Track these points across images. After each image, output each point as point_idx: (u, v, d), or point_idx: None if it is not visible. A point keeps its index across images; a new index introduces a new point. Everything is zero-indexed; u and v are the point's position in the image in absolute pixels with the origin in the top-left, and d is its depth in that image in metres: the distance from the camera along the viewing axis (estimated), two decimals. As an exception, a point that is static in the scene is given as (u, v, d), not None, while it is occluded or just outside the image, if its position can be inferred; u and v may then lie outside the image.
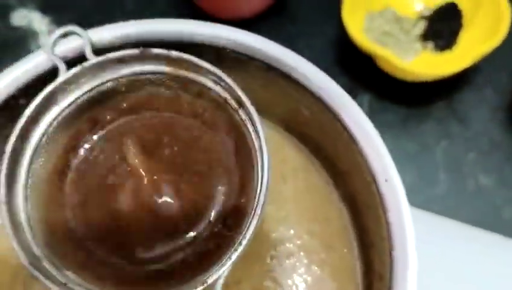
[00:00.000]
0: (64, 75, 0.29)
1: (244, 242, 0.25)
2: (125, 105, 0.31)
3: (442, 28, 0.50)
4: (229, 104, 0.29)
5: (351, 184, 0.33)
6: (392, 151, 0.48)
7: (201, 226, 0.28)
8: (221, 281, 0.25)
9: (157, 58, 0.29)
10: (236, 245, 0.25)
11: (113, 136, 0.30)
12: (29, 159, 0.28)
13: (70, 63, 0.29)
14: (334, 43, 0.54)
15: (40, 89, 0.28)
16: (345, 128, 0.30)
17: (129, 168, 0.29)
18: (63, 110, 0.29)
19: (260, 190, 0.26)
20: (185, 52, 0.29)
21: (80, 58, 0.29)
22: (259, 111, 0.27)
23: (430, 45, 0.50)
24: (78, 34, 0.30)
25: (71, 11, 0.56)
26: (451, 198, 0.47)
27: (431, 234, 0.42)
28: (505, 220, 0.46)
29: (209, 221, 0.28)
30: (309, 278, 0.33)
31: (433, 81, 0.48)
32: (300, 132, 0.37)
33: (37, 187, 0.28)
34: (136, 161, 0.30)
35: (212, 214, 0.28)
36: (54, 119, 0.29)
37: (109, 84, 0.30)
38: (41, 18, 0.55)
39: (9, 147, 0.27)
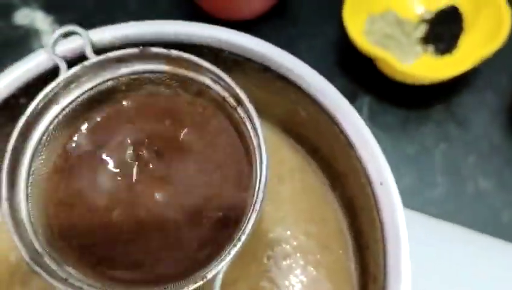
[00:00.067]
0: (64, 74, 0.29)
1: (243, 238, 0.25)
2: (125, 104, 0.31)
3: (443, 31, 0.50)
4: (228, 103, 0.29)
5: (347, 186, 0.34)
6: (391, 153, 0.48)
7: (201, 222, 0.28)
8: (220, 276, 0.25)
9: (157, 57, 0.30)
10: (235, 241, 0.26)
11: (114, 135, 0.31)
12: (30, 158, 0.28)
13: (71, 62, 0.30)
14: (335, 44, 0.54)
15: (41, 89, 0.29)
16: (341, 130, 0.30)
17: (129, 166, 0.30)
18: (63, 109, 0.30)
19: (259, 187, 0.26)
20: (184, 52, 0.29)
21: (80, 58, 0.30)
22: (257, 112, 0.28)
23: (431, 48, 0.50)
24: (78, 34, 0.30)
25: (74, 11, 0.56)
26: (450, 201, 0.47)
27: (429, 237, 0.42)
28: (503, 224, 0.46)
29: (208, 217, 0.28)
30: (305, 279, 0.33)
31: (433, 84, 0.48)
32: (298, 133, 0.37)
33: (37, 185, 0.29)
34: (136, 158, 0.30)
35: (211, 210, 0.28)
36: (54, 118, 0.29)
37: (109, 83, 0.30)
38: (44, 17, 0.56)
39: (10, 146, 0.27)
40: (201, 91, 0.30)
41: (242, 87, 0.28)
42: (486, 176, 0.48)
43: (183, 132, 0.30)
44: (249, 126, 0.28)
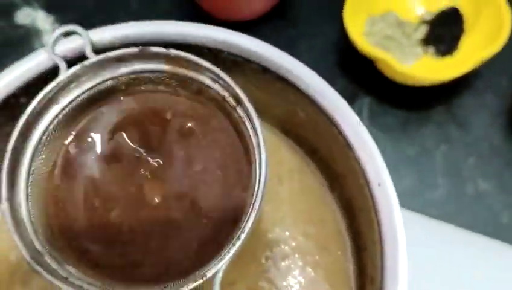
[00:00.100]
0: (64, 73, 0.29)
1: (243, 237, 0.26)
2: (125, 103, 0.31)
3: (444, 32, 0.50)
4: (228, 102, 0.29)
5: (346, 187, 0.34)
6: (391, 154, 0.48)
7: (200, 221, 0.28)
8: (220, 275, 0.25)
9: (157, 57, 0.30)
10: (234, 240, 0.26)
11: (113, 134, 0.31)
12: (30, 157, 0.29)
13: (71, 62, 0.30)
14: (335, 45, 0.54)
15: (41, 88, 0.29)
16: (339, 131, 0.30)
17: (129, 165, 0.30)
18: (63, 109, 0.30)
19: (258, 186, 0.27)
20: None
21: (80, 58, 0.30)
22: (256, 112, 0.28)
23: (431, 49, 0.50)
24: (78, 34, 0.30)
25: (75, 11, 0.56)
26: (450, 202, 0.47)
27: (429, 238, 0.42)
28: (503, 225, 0.46)
29: (208, 216, 0.28)
30: (303, 280, 0.33)
31: (433, 86, 0.48)
32: (296, 134, 0.37)
33: (38, 185, 0.29)
34: (136, 157, 0.30)
35: (211, 209, 0.29)
36: (54, 118, 0.30)
37: (109, 82, 0.31)
38: (45, 17, 0.56)
39: (10, 145, 0.27)
40: (201, 90, 0.30)
41: (241, 88, 0.28)
42: (487, 177, 0.48)
43: (183, 131, 0.31)
44: (249, 126, 0.28)
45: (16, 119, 0.28)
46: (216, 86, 0.29)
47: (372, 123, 0.50)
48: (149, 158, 0.30)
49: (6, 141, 0.27)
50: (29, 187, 0.28)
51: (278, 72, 0.32)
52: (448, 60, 0.50)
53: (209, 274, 0.25)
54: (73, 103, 0.30)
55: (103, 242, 0.28)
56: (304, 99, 0.32)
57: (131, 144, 0.30)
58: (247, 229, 0.26)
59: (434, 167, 0.48)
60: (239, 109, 0.29)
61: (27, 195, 0.28)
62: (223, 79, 0.29)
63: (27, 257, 0.25)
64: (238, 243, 0.25)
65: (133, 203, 0.29)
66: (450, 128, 0.50)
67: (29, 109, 0.28)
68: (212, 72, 0.29)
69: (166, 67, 0.30)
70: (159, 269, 0.27)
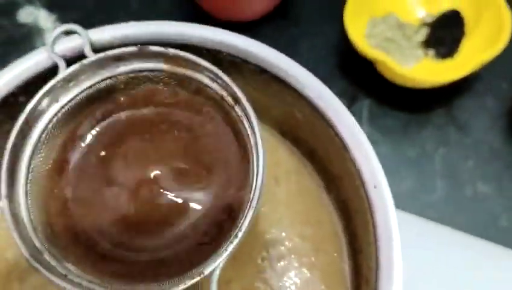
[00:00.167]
0: (63, 72, 0.29)
1: (240, 234, 0.26)
2: (124, 102, 0.31)
3: (444, 35, 0.50)
4: (226, 101, 0.29)
5: (342, 188, 0.34)
6: (391, 156, 0.48)
7: (198, 218, 0.29)
8: (217, 273, 0.26)
9: (155, 56, 0.30)
10: (232, 237, 0.26)
11: (112, 133, 0.31)
12: (29, 155, 0.29)
13: (71, 61, 0.30)
14: (336, 47, 0.54)
15: (40, 87, 0.29)
16: (336, 133, 0.30)
17: (127, 164, 0.30)
18: (62, 107, 0.30)
19: (256, 184, 0.27)
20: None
21: (80, 57, 0.30)
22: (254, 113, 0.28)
23: (432, 52, 0.50)
24: (77, 33, 0.30)
25: (77, 10, 0.56)
26: (449, 205, 0.47)
27: (427, 240, 0.42)
28: (501, 229, 0.46)
29: (206, 214, 0.29)
30: (299, 281, 0.33)
31: (433, 88, 0.48)
32: (294, 135, 0.38)
33: (37, 182, 0.29)
34: (135, 156, 0.30)
35: (209, 207, 0.29)
36: (54, 116, 0.30)
37: (108, 81, 0.31)
38: (47, 16, 0.56)
39: (10, 143, 0.27)
40: (200, 90, 0.30)
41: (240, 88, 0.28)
42: (486, 180, 0.48)
43: (181, 130, 0.31)
44: (246, 124, 0.28)
45: (14, 118, 0.28)
46: (214, 85, 0.30)
47: (372, 125, 0.50)
48: (148, 156, 0.30)
49: (6, 138, 0.28)
50: (29, 185, 0.28)
51: (275, 72, 0.32)
52: (448, 63, 0.50)
53: (206, 272, 0.25)
54: (73, 102, 0.30)
55: (102, 240, 0.28)
56: (300, 101, 0.32)
57: (129, 142, 0.30)
58: (244, 227, 0.26)
59: (433, 169, 0.48)
60: (237, 108, 0.29)
61: (26, 193, 0.28)
62: (221, 78, 0.29)
63: (26, 255, 0.25)
64: (236, 241, 0.26)
65: (131, 201, 0.29)
66: (450, 131, 0.50)
67: (29, 107, 0.28)
68: (211, 72, 0.29)
69: (165, 66, 0.30)
70: (157, 266, 0.28)
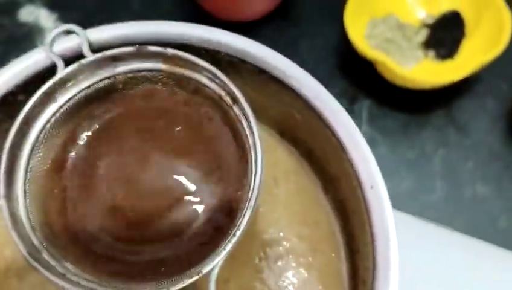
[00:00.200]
0: (61, 72, 0.29)
1: (238, 233, 0.26)
2: (122, 102, 0.31)
3: (445, 36, 0.50)
4: (224, 101, 0.29)
5: (340, 189, 0.34)
6: (391, 157, 0.48)
7: (197, 218, 0.29)
8: (215, 272, 0.26)
9: (154, 56, 0.30)
10: (230, 236, 0.26)
11: (110, 133, 0.31)
12: (28, 155, 0.29)
13: (70, 61, 0.30)
14: (336, 47, 0.54)
15: (39, 86, 0.29)
16: (333, 133, 0.30)
17: (126, 163, 0.30)
18: (61, 107, 0.30)
19: (254, 183, 0.27)
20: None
21: (79, 57, 0.30)
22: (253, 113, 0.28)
23: (432, 53, 0.50)
24: (75, 33, 0.31)
25: (78, 9, 0.56)
26: (448, 206, 0.47)
27: (426, 241, 0.42)
28: (500, 230, 0.46)
29: (204, 213, 0.29)
30: (297, 281, 0.33)
31: (433, 89, 0.48)
32: (292, 136, 0.37)
33: (35, 182, 0.29)
34: (133, 155, 0.30)
35: (208, 206, 0.29)
36: (52, 116, 0.30)
37: (107, 81, 0.31)
38: (48, 15, 0.56)
39: (8, 143, 0.27)
40: (198, 89, 0.30)
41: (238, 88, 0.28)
42: (485, 181, 0.48)
43: (180, 129, 0.31)
44: (245, 124, 0.28)
45: (13, 116, 0.28)
46: (213, 85, 0.30)
47: (372, 126, 0.50)
48: (145, 155, 0.30)
49: (4, 137, 0.28)
50: (27, 185, 0.28)
51: (273, 72, 0.32)
52: (448, 64, 0.50)
53: (204, 270, 0.25)
54: (71, 102, 0.30)
55: (100, 239, 0.28)
56: (298, 101, 0.32)
57: (128, 141, 0.31)
58: (242, 226, 0.26)
59: (433, 170, 0.48)
60: (235, 108, 0.29)
61: (25, 192, 0.28)
62: (219, 78, 0.29)
63: (25, 253, 0.25)
64: (234, 240, 0.26)
65: (129, 200, 0.29)
66: (450, 132, 0.50)
67: (27, 107, 0.28)
68: (209, 71, 0.29)
69: (164, 66, 0.30)
70: (155, 265, 0.28)
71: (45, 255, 0.26)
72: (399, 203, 0.45)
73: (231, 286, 0.33)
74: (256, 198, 0.26)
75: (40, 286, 0.33)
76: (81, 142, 0.31)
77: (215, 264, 0.25)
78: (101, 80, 0.31)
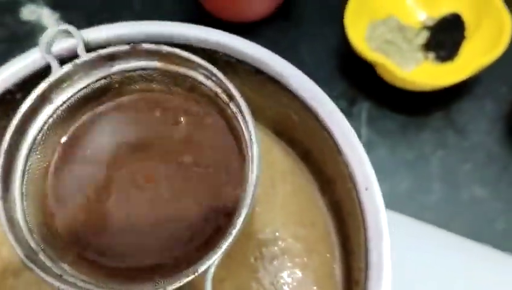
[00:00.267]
0: (55, 73, 0.29)
1: (235, 232, 0.26)
2: (118, 101, 0.32)
3: (445, 38, 0.50)
4: (220, 98, 0.29)
5: (336, 190, 0.34)
6: (390, 158, 0.48)
7: (193, 216, 0.29)
8: (212, 271, 0.26)
9: (149, 54, 0.30)
10: (226, 235, 0.26)
11: (108, 132, 0.31)
12: (25, 156, 0.29)
13: (67, 61, 0.30)
14: (336, 49, 0.54)
15: (37, 85, 0.29)
16: (329, 135, 0.30)
17: (123, 163, 0.30)
18: (57, 108, 0.30)
19: (250, 181, 0.27)
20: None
21: (75, 57, 0.30)
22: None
23: (432, 55, 0.50)
24: (70, 33, 0.31)
25: (80, 9, 0.57)
26: (446, 207, 0.47)
27: (424, 243, 0.42)
28: (498, 232, 0.46)
29: (200, 211, 0.29)
30: (291, 282, 0.33)
31: (432, 91, 0.48)
32: (289, 136, 0.38)
33: (32, 183, 0.29)
34: (130, 156, 0.30)
35: (203, 204, 0.29)
36: (49, 117, 0.30)
37: (102, 81, 0.31)
38: (50, 14, 0.56)
39: (5, 144, 0.27)
40: (194, 87, 0.30)
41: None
42: (483, 183, 0.48)
43: (176, 127, 0.31)
44: (241, 121, 0.28)
45: (11, 115, 0.28)
46: (209, 83, 0.30)
47: (371, 127, 0.50)
48: (143, 155, 0.30)
49: (2, 135, 0.28)
50: (25, 186, 0.28)
51: (270, 73, 0.32)
52: (448, 66, 0.50)
53: (200, 269, 0.25)
54: (67, 102, 0.30)
55: (98, 240, 0.28)
56: (295, 102, 0.32)
57: (125, 141, 0.31)
58: (238, 224, 0.26)
59: (431, 171, 0.48)
60: (232, 105, 0.29)
61: (22, 194, 0.28)
62: (215, 75, 0.29)
63: (21, 256, 0.25)
64: (230, 238, 0.26)
65: (127, 200, 0.29)
66: (448, 134, 0.50)
67: (23, 109, 0.28)
68: (205, 69, 0.29)
69: (159, 64, 0.30)
70: (152, 265, 0.28)
71: (42, 257, 0.26)
72: (397, 204, 0.45)
73: (227, 285, 0.33)
74: (253, 196, 0.26)
75: (36, 284, 0.32)
76: (78, 143, 0.31)
77: (211, 263, 0.25)
78: (97, 80, 0.31)
